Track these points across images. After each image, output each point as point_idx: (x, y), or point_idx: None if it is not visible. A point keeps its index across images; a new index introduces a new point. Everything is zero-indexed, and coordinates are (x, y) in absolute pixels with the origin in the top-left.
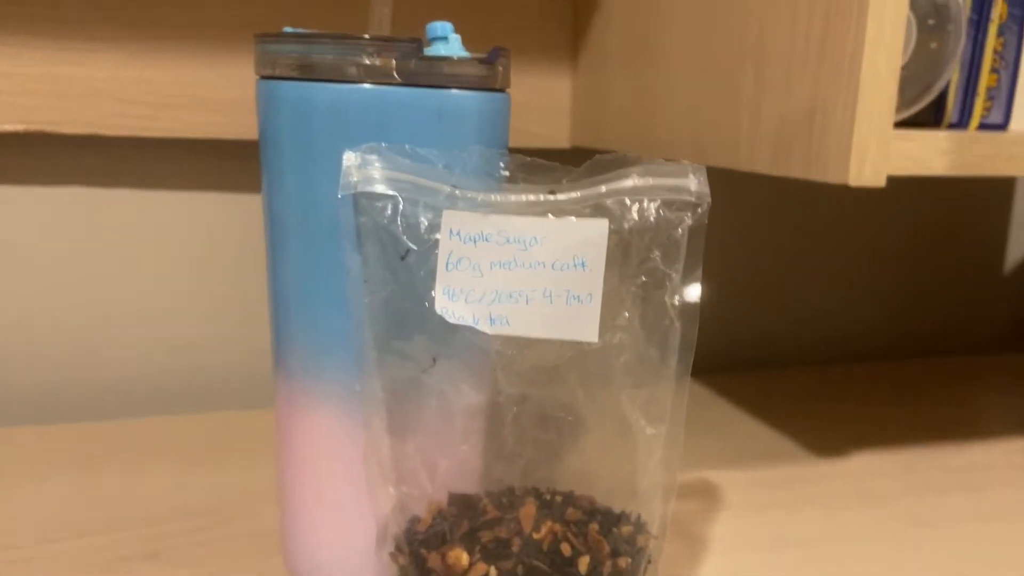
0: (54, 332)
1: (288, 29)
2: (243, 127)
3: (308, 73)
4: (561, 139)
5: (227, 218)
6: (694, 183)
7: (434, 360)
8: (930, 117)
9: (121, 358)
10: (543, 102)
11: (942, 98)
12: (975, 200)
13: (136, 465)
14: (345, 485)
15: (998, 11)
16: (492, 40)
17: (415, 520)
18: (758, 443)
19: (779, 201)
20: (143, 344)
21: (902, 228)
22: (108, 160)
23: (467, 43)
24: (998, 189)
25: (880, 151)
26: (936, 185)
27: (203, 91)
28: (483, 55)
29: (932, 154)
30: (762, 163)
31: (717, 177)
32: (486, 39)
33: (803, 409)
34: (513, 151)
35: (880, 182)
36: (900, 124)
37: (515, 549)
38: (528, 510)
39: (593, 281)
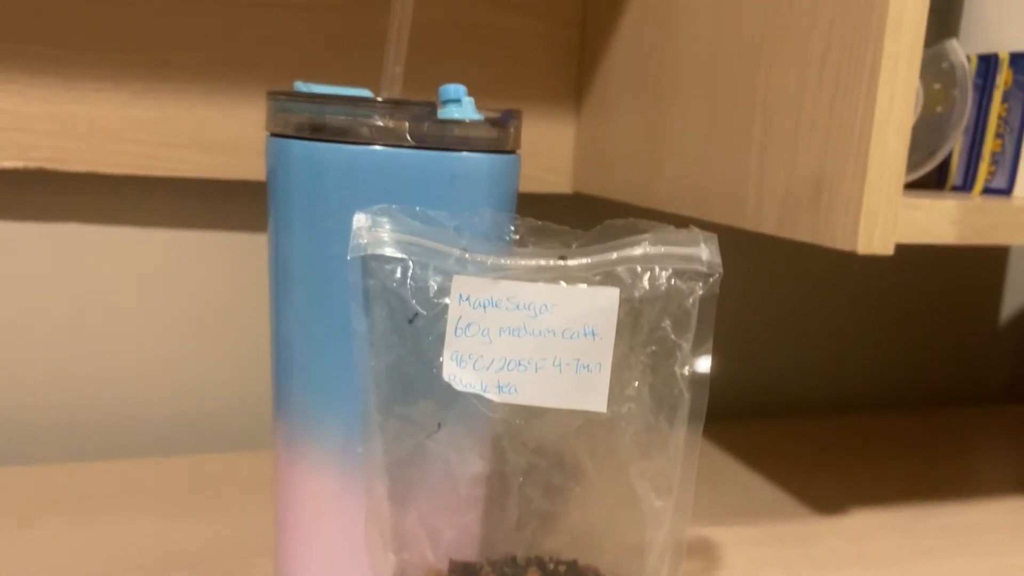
0: (47, 370)
1: (299, 84)
2: (245, 168)
3: (320, 133)
4: (563, 185)
5: (228, 258)
6: (706, 252)
7: (439, 426)
8: (933, 180)
9: (115, 398)
10: (546, 148)
11: (946, 161)
12: (972, 255)
13: (126, 509)
14: (343, 547)
15: (1003, 77)
16: (497, 87)
17: None
18: (757, 497)
19: (783, 255)
20: (138, 384)
21: (902, 283)
22: (107, 199)
23: (473, 91)
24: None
25: (889, 220)
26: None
27: (206, 132)
28: (496, 115)
29: (941, 223)
30: (769, 225)
31: (723, 227)
32: (491, 86)
33: (803, 461)
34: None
35: (888, 250)
36: (904, 186)
37: None
38: None
39: (603, 350)
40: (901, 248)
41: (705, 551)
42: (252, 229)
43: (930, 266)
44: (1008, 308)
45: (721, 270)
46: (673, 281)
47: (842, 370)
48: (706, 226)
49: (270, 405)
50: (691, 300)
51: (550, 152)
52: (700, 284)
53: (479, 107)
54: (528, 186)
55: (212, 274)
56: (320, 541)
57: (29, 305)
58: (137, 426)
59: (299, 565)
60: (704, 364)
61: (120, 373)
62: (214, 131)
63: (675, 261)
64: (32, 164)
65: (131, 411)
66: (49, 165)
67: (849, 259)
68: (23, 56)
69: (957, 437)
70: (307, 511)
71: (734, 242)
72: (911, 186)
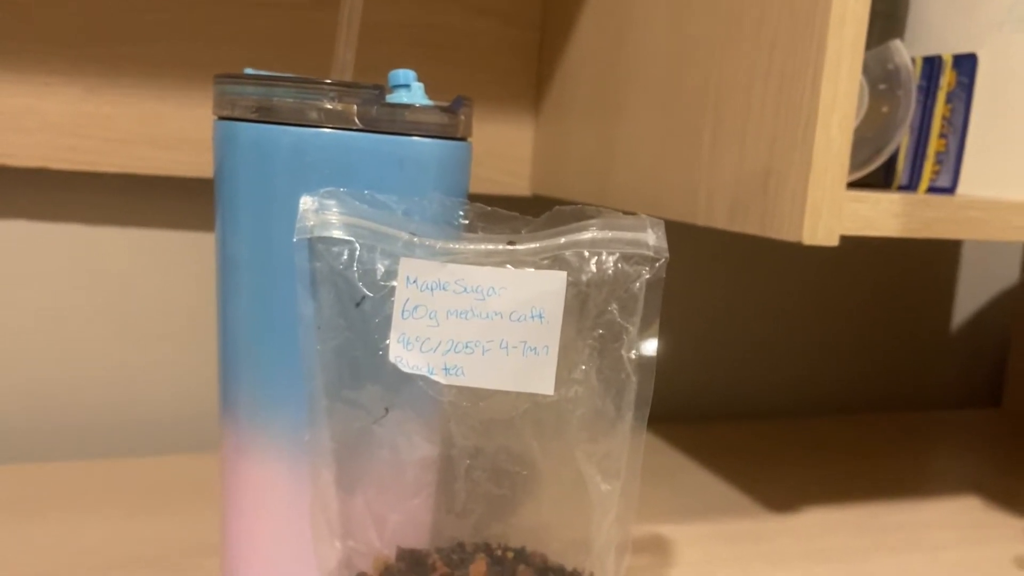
0: None
1: (249, 71)
2: (198, 165)
3: (268, 116)
4: (522, 187)
5: (178, 256)
6: (652, 237)
7: (387, 410)
8: (880, 179)
9: (62, 398)
10: (505, 150)
11: (892, 161)
12: (924, 260)
13: (75, 511)
14: (290, 538)
15: (947, 78)
16: (457, 89)
17: None
18: (711, 496)
19: (738, 257)
20: (86, 383)
21: (855, 287)
22: (57, 194)
23: (432, 91)
24: (946, 249)
25: (833, 212)
26: (888, 246)
27: (158, 128)
28: (446, 103)
29: (883, 216)
30: (720, 219)
31: (678, 231)
32: (451, 87)
33: (757, 462)
34: (475, 198)
35: (833, 241)
36: (851, 185)
37: None
38: (478, 567)
39: (550, 333)
40: (855, 256)
41: (659, 548)
42: (204, 228)
43: (883, 273)
44: (959, 316)
45: (667, 254)
46: (620, 265)
47: (798, 376)
48: None
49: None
50: (638, 284)
51: (509, 154)
52: (647, 268)
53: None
54: (487, 188)
55: (163, 272)
56: (266, 531)
57: None
58: (87, 429)
59: (244, 556)
60: (650, 347)
61: (68, 374)
62: (166, 127)
63: (622, 245)
64: None
65: (78, 412)
66: None
67: (804, 266)
68: None
69: (910, 440)
70: (252, 501)
71: (692, 245)
72: (858, 185)
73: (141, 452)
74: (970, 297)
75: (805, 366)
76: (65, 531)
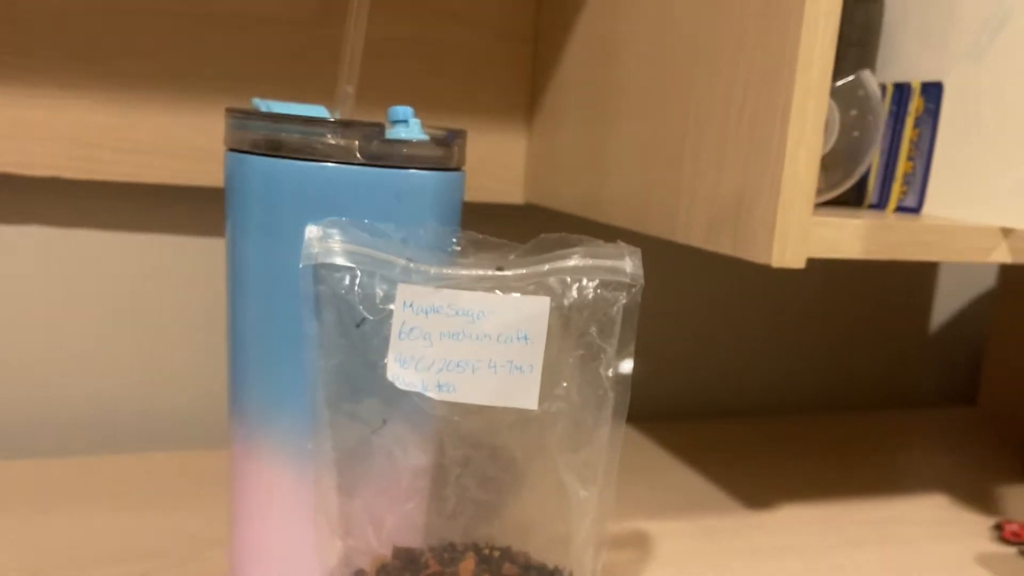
0: (7, 370)
1: (256, 100)
2: (204, 173)
3: (276, 150)
4: (515, 195)
5: (185, 260)
6: (629, 265)
7: (384, 422)
8: (852, 198)
9: (75, 398)
10: (500, 160)
11: (864, 181)
12: (904, 265)
13: (82, 505)
14: (294, 537)
15: (915, 104)
16: (453, 98)
17: (360, 573)
18: (689, 493)
19: (716, 258)
20: (99, 384)
21: (838, 291)
22: (69, 202)
23: (429, 104)
24: None
25: (800, 236)
26: None
27: (168, 138)
28: (441, 135)
29: (848, 239)
30: (697, 238)
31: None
32: (447, 99)
33: (735, 459)
34: (470, 205)
35: (800, 264)
36: (825, 204)
37: None
38: (467, 564)
39: (535, 353)
40: (837, 261)
41: (638, 543)
42: (211, 233)
43: (864, 278)
44: (937, 319)
45: (643, 281)
46: (599, 291)
47: (781, 376)
48: (644, 239)
49: (225, 406)
50: (616, 308)
51: (503, 164)
52: (624, 294)
53: (433, 120)
54: (481, 196)
55: (172, 277)
56: (272, 530)
57: None
58: (96, 425)
59: (252, 553)
60: (627, 366)
61: (80, 373)
62: (175, 138)
63: (602, 273)
64: None
65: (91, 411)
66: (12, 169)
67: (788, 271)
68: None
69: (887, 438)
70: (260, 503)
71: (670, 249)
72: (832, 203)
73: (147, 448)
74: (948, 301)
75: (788, 367)
76: (73, 525)
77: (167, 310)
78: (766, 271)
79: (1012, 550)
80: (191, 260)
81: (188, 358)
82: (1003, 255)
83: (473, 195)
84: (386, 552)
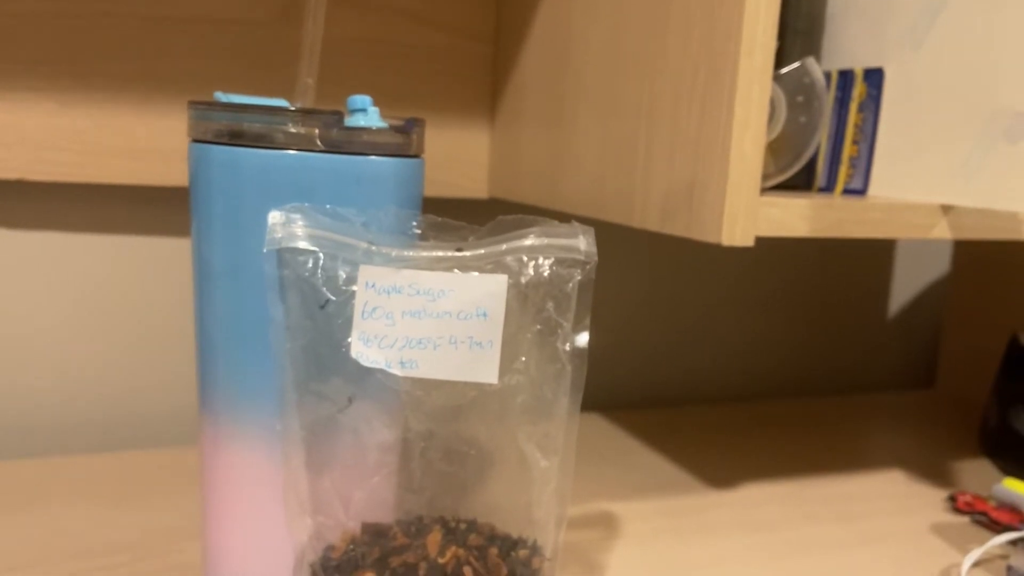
0: None
1: (219, 94)
2: (168, 175)
3: (238, 139)
4: (480, 191)
5: (154, 262)
6: (583, 243)
7: (350, 400)
8: (802, 182)
9: (43, 398)
10: (463, 156)
11: (812, 165)
12: (862, 250)
13: (58, 503)
14: (265, 517)
15: (858, 90)
16: (417, 98)
17: (330, 548)
18: (656, 475)
19: (684, 250)
20: (67, 384)
21: (798, 277)
22: (35, 205)
23: (395, 101)
24: (881, 240)
25: (748, 217)
26: (827, 238)
27: (130, 140)
28: (400, 123)
29: (794, 219)
30: (652, 223)
31: (625, 232)
32: (412, 97)
33: (700, 443)
34: (436, 200)
35: (749, 242)
36: (776, 187)
37: (422, 573)
38: (434, 537)
39: (493, 329)
40: (796, 247)
41: (607, 523)
42: (176, 233)
43: (823, 263)
44: (895, 303)
45: (596, 258)
46: (555, 268)
47: (743, 362)
48: (602, 225)
49: (196, 403)
50: (571, 285)
51: (467, 159)
52: (579, 271)
53: (396, 116)
54: (447, 191)
55: (138, 278)
56: (244, 514)
57: None
58: (70, 426)
59: (223, 535)
60: (582, 340)
61: (48, 374)
62: (137, 139)
63: (557, 251)
64: None
65: (61, 412)
66: None
67: (748, 257)
68: None
69: (846, 420)
70: (231, 485)
71: (638, 242)
72: (782, 187)
73: (121, 447)
74: (905, 285)
75: (751, 356)
76: (52, 521)
77: (135, 309)
78: (729, 260)
79: (965, 519)
80: (160, 261)
81: (158, 356)
82: (943, 231)
83: (439, 191)
84: (355, 527)
